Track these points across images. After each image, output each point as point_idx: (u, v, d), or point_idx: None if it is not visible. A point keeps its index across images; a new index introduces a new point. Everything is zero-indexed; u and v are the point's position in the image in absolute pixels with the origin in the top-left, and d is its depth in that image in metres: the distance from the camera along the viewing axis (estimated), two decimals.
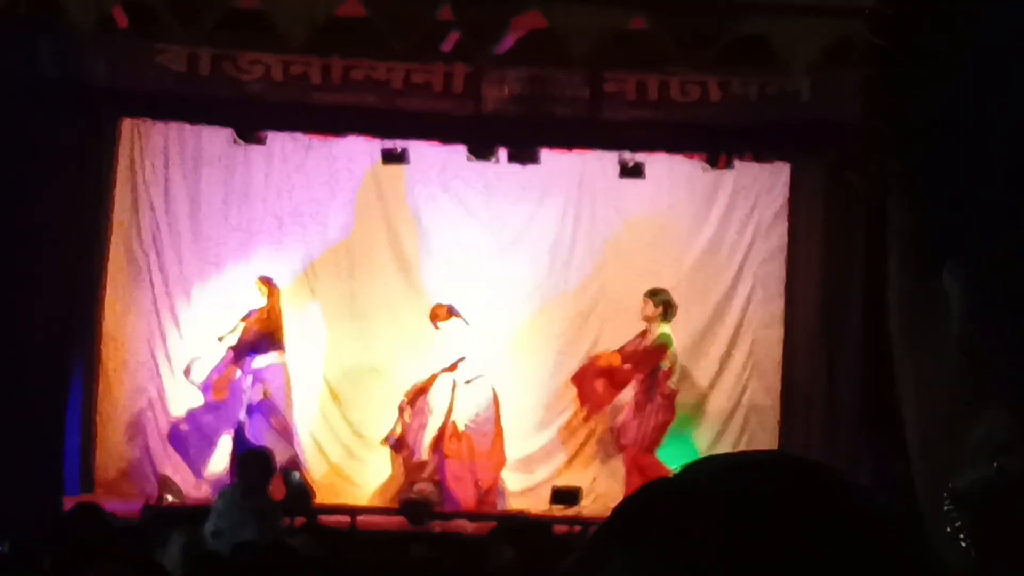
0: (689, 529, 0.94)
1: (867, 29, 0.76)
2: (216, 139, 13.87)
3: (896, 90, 0.73)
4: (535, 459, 14.07)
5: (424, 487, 13.09)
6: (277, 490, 11.91)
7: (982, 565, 0.71)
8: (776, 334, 14.14)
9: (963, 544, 0.72)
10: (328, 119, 12.80)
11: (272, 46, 12.02)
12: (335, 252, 14.16)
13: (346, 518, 12.20)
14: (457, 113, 12.61)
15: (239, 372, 13.34)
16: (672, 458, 13.39)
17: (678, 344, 13.38)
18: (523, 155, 13.34)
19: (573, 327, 14.21)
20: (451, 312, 13.31)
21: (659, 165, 13.67)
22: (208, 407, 13.34)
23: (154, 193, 13.99)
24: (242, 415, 13.18)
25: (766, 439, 13.89)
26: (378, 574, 8.40)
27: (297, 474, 13.01)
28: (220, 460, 13.23)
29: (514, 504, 13.41)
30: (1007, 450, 0.69)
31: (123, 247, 13.87)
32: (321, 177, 14.11)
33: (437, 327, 13.32)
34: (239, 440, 12.95)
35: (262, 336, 13.29)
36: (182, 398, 13.76)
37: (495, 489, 13.44)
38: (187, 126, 13.74)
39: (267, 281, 13.42)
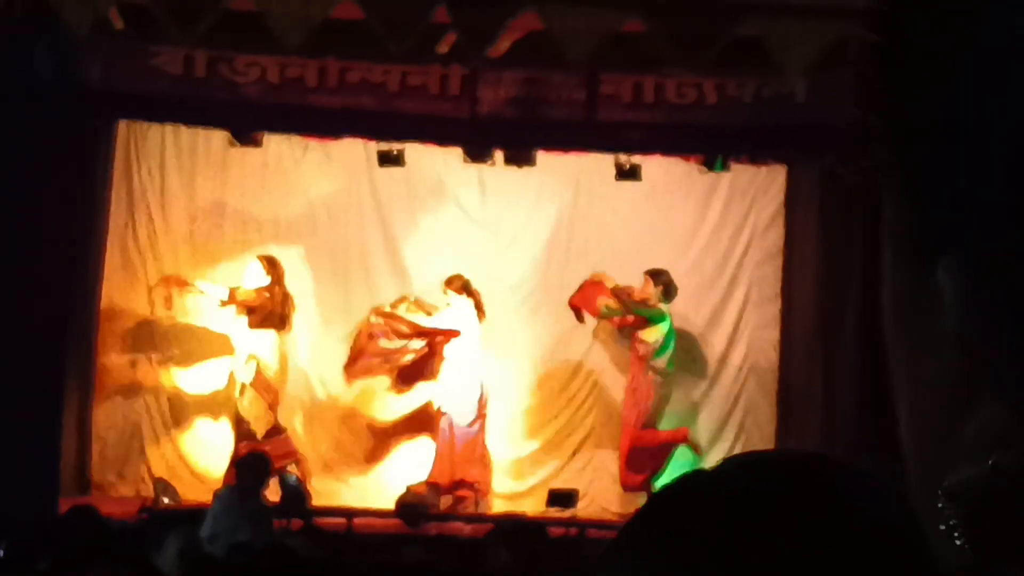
0: (689, 529, 0.94)
1: (863, 26, 0.76)
2: (212, 141, 13.88)
3: (893, 87, 0.73)
4: (531, 461, 14.07)
5: (420, 489, 13.09)
6: (273, 493, 11.91)
7: (977, 563, 0.71)
8: (773, 336, 14.16)
9: (957, 542, 0.72)
10: (324, 121, 12.79)
11: (268, 48, 12.00)
12: (331, 254, 14.15)
13: (342, 520, 12.20)
14: (453, 115, 12.61)
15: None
16: (670, 463, 13.43)
17: (675, 344, 13.46)
18: (519, 157, 13.34)
19: (569, 329, 14.20)
20: (465, 288, 13.29)
21: (655, 167, 13.67)
22: None
23: (150, 195, 13.99)
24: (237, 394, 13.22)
25: (763, 441, 13.90)
26: None
27: (294, 476, 13.01)
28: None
29: (510, 506, 13.40)
30: (1001, 447, 0.69)
31: (120, 248, 13.88)
32: (317, 179, 14.11)
33: (446, 293, 13.30)
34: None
35: (261, 314, 13.25)
36: (179, 400, 13.77)
37: (485, 489, 13.42)
38: (183, 128, 13.75)
39: (267, 258, 13.36)
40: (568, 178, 14.12)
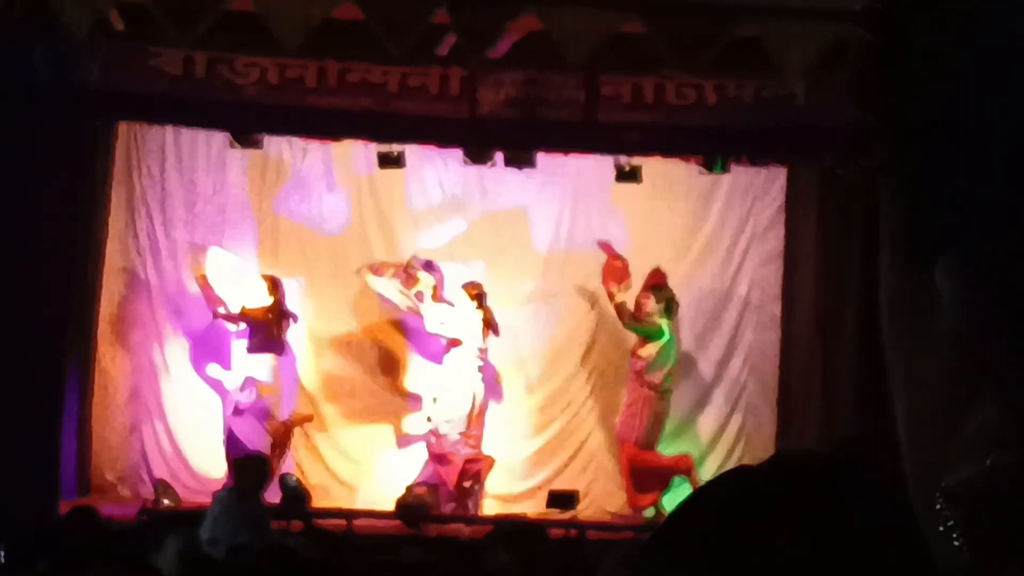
0: (689, 532, 0.95)
1: (861, 26, 0.76)
2: (212, 142, 13.87)
3: (891, 87, 0.73)
4: (532, 462, 14.07)
5: (420, 491, 13.09)
6: (273, 494, 11.90)
7: (975, 564, 0.71)
8: (773, 337, 14.16)
9: (956, 543, 0.72)
10: (324, 122, 12.78)
11: (268, 49, 12.00)
12: (331, 256, 14.15)
13: (342, 522, 12.20)
14: (453, 116, 12.61)
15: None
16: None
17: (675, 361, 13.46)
18: (519, 158, 13.32)
19: (569, 331, 14.21)
20: (478, 298, 13.28)
21: (655, 168, 13.66)
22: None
23: (150, 196, 13.98)
24: (230, 413, 13.20)
25: (763, 442, 13.91)
26: None
27: (294, 478, 13.00)
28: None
29: (510, 508, 13.39)
30: (999, 447, 0.69)
31: (120, 250, 13.87)
32: (317, 181, 14.11)
33: (460, 295, 13.29)
34: (231, 443, 12.94)
35: (260, 334, 13.27)
36: (178, 401, 13.77)
37: (480, 490, 13.41)
38: (183, 129, 13.74)
39: (270, 279, 13.40)
40: (568, 179, 14.11)
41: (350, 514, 12.53)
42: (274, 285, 13.34)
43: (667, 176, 14.03)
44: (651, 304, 13.29)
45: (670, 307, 13.37)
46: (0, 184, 11.68)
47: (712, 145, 13.27)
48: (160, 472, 13.54)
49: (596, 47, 11.52)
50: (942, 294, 0.71)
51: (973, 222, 0.70)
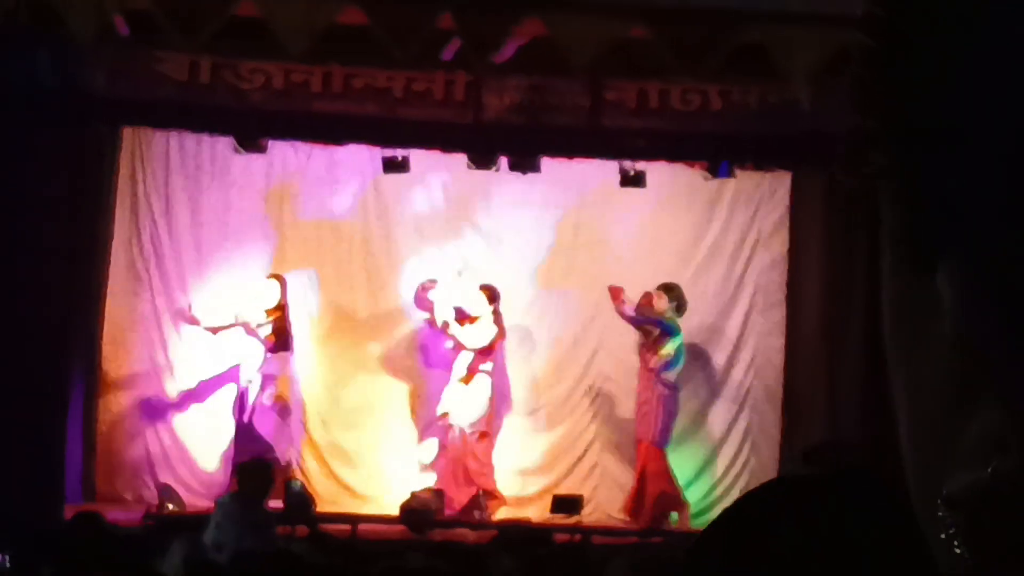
0: (700, 547, 0.96)
1: (861, 31, 0.75)
2: (217, 147, 13.88)
3: (890, 89, 0.73)
4: (536, 467, 14.07)
5: (424, 495, 13.09)
6: (278, 499, 11.90)
7: (976, 570, 0.71)
8: (778, 342, 14.16)
9: (957, 550, 0.71)
10: (329, 127, 12.80)
11: (273, 54, 12.02)
12: (335, 260, 14.16)
13: (347, 527, 12.20)
14: (458, 121, 12.63)
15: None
16: (675, 467, 13.43)
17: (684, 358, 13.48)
18: (524, 164, 13.33)
19: (573, 336, 14.21)
20: (493, 300, 13.31)
21: (660, 174, 13.66)
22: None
23: (155, 201, 14.00)
24: (245, 416, 13.21)
25: (768, 446, 13.91)
26: None
27: (299, 483, 13.01)
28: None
29: (514, 513, 13.39)
30: (1001, 452, 0.69)
31: (124, 255, 13.88)
32: (322, 185, 14.12)
33: (479, 297, 13.33)
34: (247, 444, 12.94)
35: (278, 334, 13.31)
36: (183, 406, 13.78)
37: (489, 495, 13.40)
38: (188, 134, 13.75)
39: (280, 277, 13.43)
40: (572, 185, 14.11)
41: (355, 519, 12.53)
42: (283, 284, 13.40)
43: (672, 181, 14.04)
44: (663, 302, 13.33)
45: (680, 306, 13.41)
46: (4, 188, 11.71)
47: (717, 151, 13.28)
48: (165, 477, 13.54)
49: (601, 52, 11.53)
50: (943, 298, 0.70)
51: (973, 224, 0.69)
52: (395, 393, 14.01)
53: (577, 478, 14.07)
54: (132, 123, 13.51)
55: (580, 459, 14.16)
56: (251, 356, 13.31)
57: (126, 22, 11.85)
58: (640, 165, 13.37)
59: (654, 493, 13.18)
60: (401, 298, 14.05)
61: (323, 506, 13.05)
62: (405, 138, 12.96)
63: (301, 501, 12.60)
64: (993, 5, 0.70)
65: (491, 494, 13.26)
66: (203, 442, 13.72)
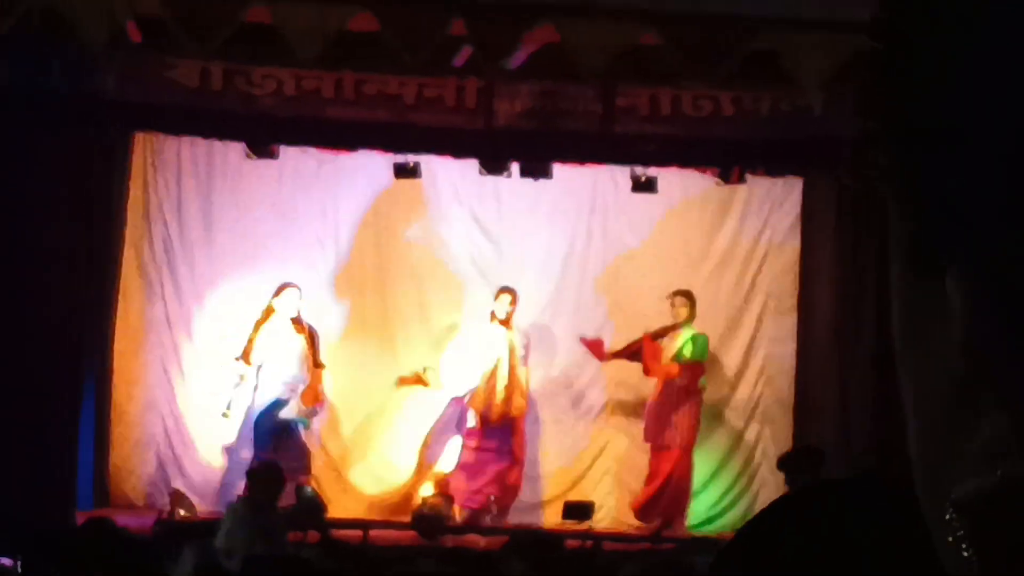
0: (718, 565, 0.97)
1: (867, 35, 0.75)
2: (229, 153, 13.90)
3: (891, 91, 0.73)
4: (547, 473, 14.07)
5: (436, 501, 13.10)
6: (289, 504, 11.90)
7: (985, 574, 0.70)
8: (789, 348, 14.15)
9: (965, 553, 0.71)
10: (340, 133, 12.81)
11: (284, 60, 12.04)
12: (347, 266, 14.17)
13: (358, 532, 12.20)
14: (469, 127, 12.64)
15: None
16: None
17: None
18: (535, 169, 13.34)
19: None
20: (514, 302, 13.37)
21: (672, 179, 13.66)
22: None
23: (166, 207, 14.02)
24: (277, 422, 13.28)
25: (780, 451, 13.86)
26: None
27: (310, 488, 13.01)
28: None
29: (526, 519, 13.39)
30: (1010, 456, 0.69)
31: (135, 261, 13.90)
32: (333, 191, 14.14)
33: (498, 299, 13.33)
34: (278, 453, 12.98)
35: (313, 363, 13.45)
36: (195, 412, 13.79)
37: (506, 507, 13.42)
38: (200, 140, 13.77)
39: (294, 286, 13.46)
40: (584, 190, 14.12)
41: (366, 524, 12.53)
42: (297, 292, 13.43)
43: (684, 187, 14.04)
44: (686, 310, 13.39)
45: (692, 313, 13.46)
46: (17, 193, 11.75)
47: (728, 156, 13.27)
48: (176, 482, 13.56)
49: (613, 58, 11.53)
50: (952, 302, 0.70)
51: (975, 226, 0.69)
52: (409, 399, 14.00)
53: (588, 484, 14.07)
54: (144, 129, 13.54)
55: (592, 465, 14.15)
56: (280, 365, 13.35)
57: (138, 28, 11.87)
58: (652, 171, 13.37)
59: (672, 496, 13.20)
60: (412, 307, 14.05)
61: (334, 511, 13.05)
62: (416, 144, 12.96)
63: (312, 506, 12.60)
64: (993, 5, 0.70)
65: (512, 488, 13.30)
66: (215, 448, 13.72)
